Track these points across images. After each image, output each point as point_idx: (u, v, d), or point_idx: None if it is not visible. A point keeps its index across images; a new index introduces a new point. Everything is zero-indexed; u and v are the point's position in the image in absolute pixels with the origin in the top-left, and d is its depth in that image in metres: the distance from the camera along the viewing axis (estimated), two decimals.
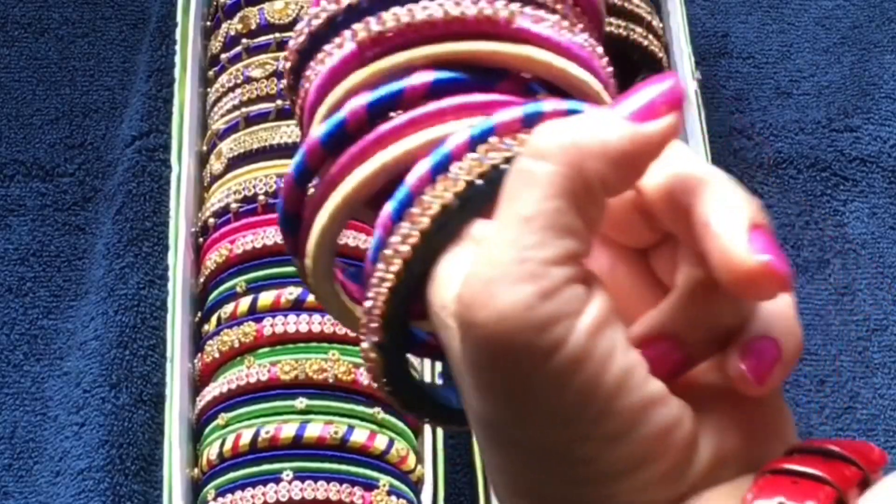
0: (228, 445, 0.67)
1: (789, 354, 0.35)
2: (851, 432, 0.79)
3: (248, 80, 0.75)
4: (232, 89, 0.76)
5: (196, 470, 0.69)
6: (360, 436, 0.67)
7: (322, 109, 0.40)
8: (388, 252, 0.37)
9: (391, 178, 0.39)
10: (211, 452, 0.68)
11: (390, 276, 0.37)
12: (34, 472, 0.79)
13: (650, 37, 0.78)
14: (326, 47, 0.41)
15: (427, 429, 0.71)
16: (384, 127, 0.39)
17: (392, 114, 0.39)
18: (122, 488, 0.75)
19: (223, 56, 0.78)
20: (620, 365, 0.34)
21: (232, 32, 0.77)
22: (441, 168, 0.37)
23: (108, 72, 0.92)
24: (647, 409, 0.34)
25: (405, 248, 0.37)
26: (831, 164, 0.89)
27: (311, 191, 0.40)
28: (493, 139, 0.37)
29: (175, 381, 0.70)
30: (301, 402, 0.67)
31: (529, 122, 0.38)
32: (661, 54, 0.78)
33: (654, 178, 0.36)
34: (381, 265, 0.38)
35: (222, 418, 0.69)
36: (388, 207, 0.38)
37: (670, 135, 0.35)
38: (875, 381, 0.81)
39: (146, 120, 0.87)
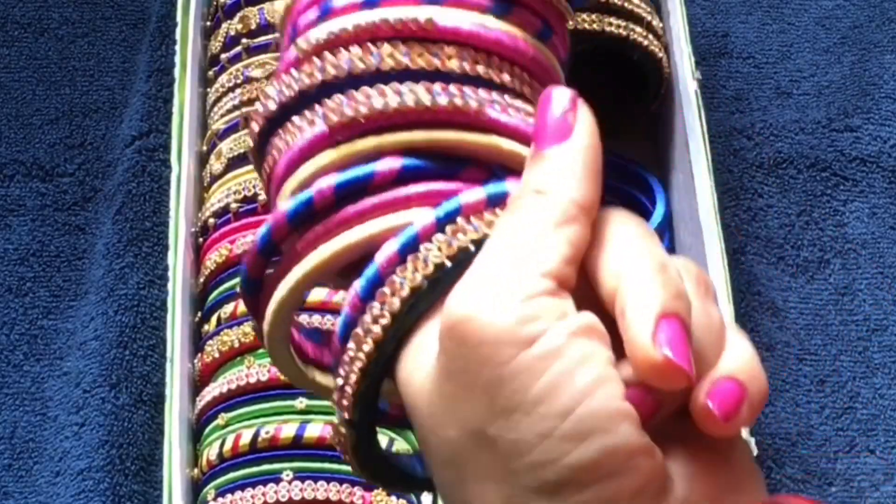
0: (228, 445, 0.67)
1: (755, 397, 0.36)
2: (851, 432, 0.79)
3: (248, 80, 0.75)
4: (232, 89, 0.76)
5: (196, 470, 0.69)
6: None
7: (290, 184, 0.41)
8: (358, 331, 0.38)
9: (354, 258, 0.40)
10: (211, 452, 0.68)
11: (361, 356, 0.38)
12: (34, 472, 0.79)
13: (650, 37, 0.78)
14: (296, 119, 0.41)
15: None
16: (351, 209, 0.40)
17: (359, 196, 0.40)
18: (122, 488, 0.75)
19: (223, 56, 0.78)
20: (595, 373, 0.35)
21: (232, 32, 0.77)
22: (409, 248, 0.38)
23: (108, 72, 0.92)
24: (616, 420, 0.34)
25: (376, 329, 0.38)
26: (831, 164, 0.89)
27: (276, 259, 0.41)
28: (459, 220, 0.38)
29: (175, 381, 0.70)
30: (301, 402, 0.67)
31: (494, 202, 0.39)
32: (661, 54, 0.78)
33: (597, 272, 0.37)
34: (351, 345, 0.39)
35: (222, 418, 0.69)
36: (357, 286, 0.39)
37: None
38: (875, 381, 0.81)
39: (146, 120, 0.87)
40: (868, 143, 0.89)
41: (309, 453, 0.67)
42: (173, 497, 0.66)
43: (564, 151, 0.38)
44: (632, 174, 0.80)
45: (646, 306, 0.35)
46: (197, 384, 0.72)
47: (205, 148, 0.78)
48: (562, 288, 0.36)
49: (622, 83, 0.80)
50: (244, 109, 0.75)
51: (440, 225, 0.38)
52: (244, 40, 0.76)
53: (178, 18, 0.80)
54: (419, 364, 0.37)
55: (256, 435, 0.67)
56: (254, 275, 0.42)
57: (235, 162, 0.74)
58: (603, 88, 0.77)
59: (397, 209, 0.39)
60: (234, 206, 0.73)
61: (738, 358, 0.37)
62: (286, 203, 0.40)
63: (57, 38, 0.93)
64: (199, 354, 0.72)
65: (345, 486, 0.66)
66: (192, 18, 0.80)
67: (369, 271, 0.39)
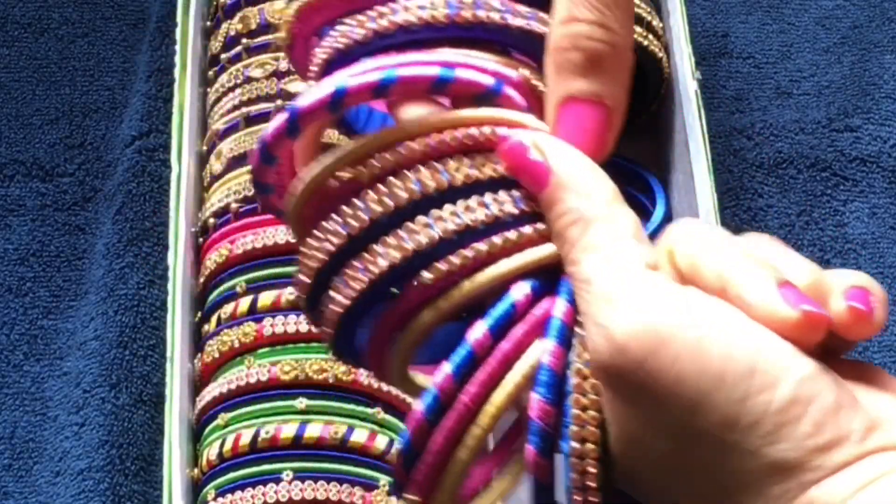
0: (228, 445, 0.67)
1: (879, 294, 0.38)
2: None
3: (248, 80, 0.75)
4: (232, 89, 0.76)
5: (196, 470, 0.69)
6: (360, 436, 0.67)
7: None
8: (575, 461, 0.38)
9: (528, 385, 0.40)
10: (211, 452, 0.68)
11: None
12: (34, 472, 0.79)
13: (650, 37, 0.78)
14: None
15: None
16: (504, 345, 0.40)
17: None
18: (122, 488, 0.75)
19: (223, 56, 0.78)
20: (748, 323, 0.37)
21: (232, 32, 0.77)
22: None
23: (108, 72, 0.92)
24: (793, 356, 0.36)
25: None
26: (831, 164, 0.89)
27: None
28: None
29: (175, 381, 0.70)
30: (301, 402, 0.67)
31: None
32: (661, 54, 0.78)
33: (699, 280, 0.39)
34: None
35: (222, 418, 0.69)
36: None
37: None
38: None
39: (146, 120, 0.87)
40: (868, 143, 0.89)
41: (309, 453, 0.67)
42: (173, 497, 0.66)
43: (559, 183, 0.40)
44: (632, 174, 0.80)
45: (761, 285, 0.37)
46: (197, 384, 0.72)
47: (205, 148, 0.78)
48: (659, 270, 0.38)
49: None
50: (244, 109, 0.75)
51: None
52: (244, 40, 0.76)
53: (178, 18, 0.80)
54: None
55: (256, 435, 0.67)
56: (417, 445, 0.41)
57: (235, 162, 0.74)
58: None
59: (539, 334, 0.40)
60: (234, 206, 0.73)
61: (842, 275, 0.38)
62: (447, 367, 0.40)
63: (57, 38, 0.93)
64: (199, 354, 0.72)
65: (345, 486, 0.66)
66: (192, 18, 0.80)
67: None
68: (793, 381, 0.35)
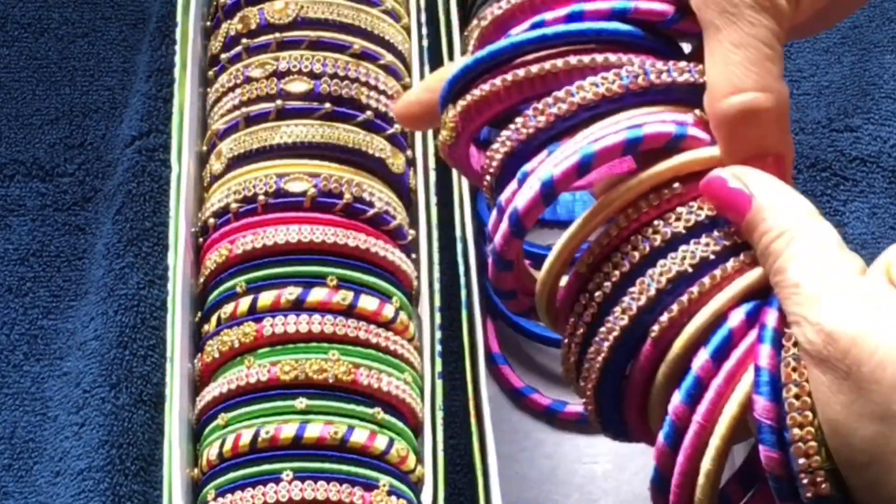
0: (228, 445, 0.67)
1: None
2: None
3: (248, 80, 0.75)
4: (232, 89, 0.76)
5: (196, 470, 0.69)
6: (360, 436, 0.67)
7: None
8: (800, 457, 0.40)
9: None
10: (211, 452, 0.68)
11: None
12: (34, 472, 0.79)
13: None
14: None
15: (427, 429, 0.71)
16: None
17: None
18: (122, 488, 0.76)
19: (223, 56, 0.78)
20: None
21: (232, 32, 0.77)
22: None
23: (108, 72, 0.92)
24: None
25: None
26: (831, 164, 0.89)
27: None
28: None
29: (175, 381, 0.70)
30: (301, 402, 0.67)
31: None
32: None
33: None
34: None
35: (222, 418, 0.69)
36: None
37: None
38: None
39: (146, 120, 0.87)
40: (868, 143, 0.89)
41: (309, 453, 0.67)
42: (173, 497, 0.67)
43: (760, 205, 0.43)
44: None
45: None
46: (197, 384, 0.72)
47: (205, 148, 0.78)
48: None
49: None
50: (244, 109, 0.75)
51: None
52: (244, 40, 0.76)
53: (178, 18, 0.80)
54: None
55: (256, 435, 0.67)
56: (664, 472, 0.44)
57: (235, 162, 0.74)
58: None
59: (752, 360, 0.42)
60: (234, 206, 0.73)
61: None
62: (676, 397, 0.43)
63: (57, 38, 0.93)
64: (199, 354, 0.72)
65: (345, 486, 0.66)
66: (192, 18, 0.80)
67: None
68: None
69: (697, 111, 0.45)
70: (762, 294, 0.43)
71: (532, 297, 0.47)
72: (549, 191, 0.44)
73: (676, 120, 0.45)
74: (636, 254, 0.44)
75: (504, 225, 0.45)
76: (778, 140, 0.45)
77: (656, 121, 0.44)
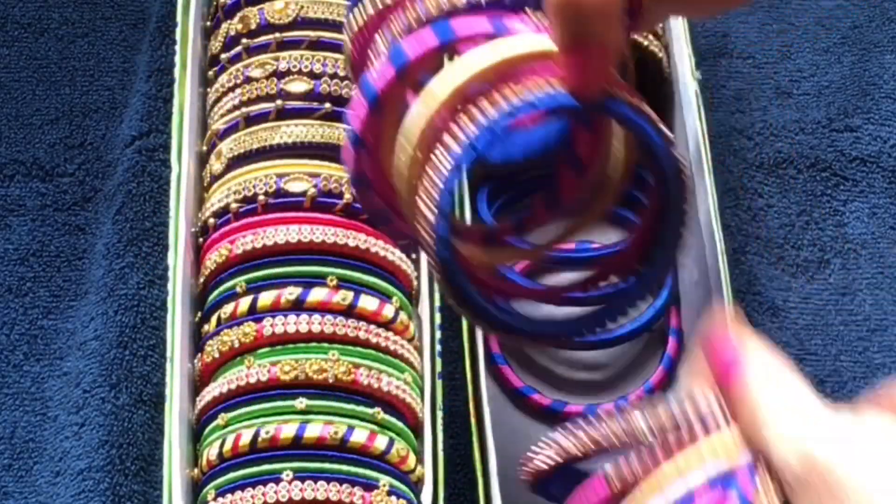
0: (228, 445, 0.67)
1: None
2: None
3: (248, 80, 0.75)
4: (232, 89, 0.76)
5: (196, 470, 0.69)
6: (360, 436, 0.67)
7: None
8: None
9: None
10: (211, 452, 0.68)
11: None
12: (34, 472, 0.79)
13: (650, 37, 0.78)
14: None
15: (427, 429, 0.71)
16: None
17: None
18: (122, 488, 0.76)
19: (223, 56, 0.78)
20: None
21: (232, 32, 0.77)
22: None
23: (108, 72, 0.92)
24: None
25: None
26: (831, 164, 0.89)
27: None
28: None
29: (175, 381, 0.70)
30: (301, 402, 0.67)
31: None
32: (661, 54, 0.78)
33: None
34: None
35: (222, 418, 0.69)
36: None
37: None
38: (875, 380, 0.81)
39: (146, 120, 0.87)
40: (868, 143, 0.89)
41: (309, 453, 0.67)
42: (173, 497, 0.67)
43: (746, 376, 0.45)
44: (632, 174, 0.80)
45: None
46: (197, 384, 0.72)
47: (205, 148, 0.78)
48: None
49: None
50: (244, 109, 0.75)
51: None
52: (244, 40, 0.76)
53: (178, 18, 0.80)
54: None
55: (256, 435, 0.67)
56: None
57: (235, 162, 0.74)
58: None
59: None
60: (234, 206, 0.73)
61: None
62: None
63: (57, 38, 0.93)
64: (199, 354, 0.72)
65: (345, 486, 0.66)
66: (192, 18, 0.80)
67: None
68: None
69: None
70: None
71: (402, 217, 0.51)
72: (402, 63, 0.50)
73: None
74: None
75: (362, 101, 0.51)
76: (601, 33, 0.48)
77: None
